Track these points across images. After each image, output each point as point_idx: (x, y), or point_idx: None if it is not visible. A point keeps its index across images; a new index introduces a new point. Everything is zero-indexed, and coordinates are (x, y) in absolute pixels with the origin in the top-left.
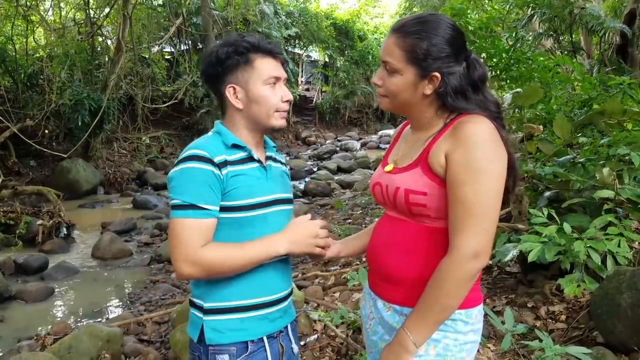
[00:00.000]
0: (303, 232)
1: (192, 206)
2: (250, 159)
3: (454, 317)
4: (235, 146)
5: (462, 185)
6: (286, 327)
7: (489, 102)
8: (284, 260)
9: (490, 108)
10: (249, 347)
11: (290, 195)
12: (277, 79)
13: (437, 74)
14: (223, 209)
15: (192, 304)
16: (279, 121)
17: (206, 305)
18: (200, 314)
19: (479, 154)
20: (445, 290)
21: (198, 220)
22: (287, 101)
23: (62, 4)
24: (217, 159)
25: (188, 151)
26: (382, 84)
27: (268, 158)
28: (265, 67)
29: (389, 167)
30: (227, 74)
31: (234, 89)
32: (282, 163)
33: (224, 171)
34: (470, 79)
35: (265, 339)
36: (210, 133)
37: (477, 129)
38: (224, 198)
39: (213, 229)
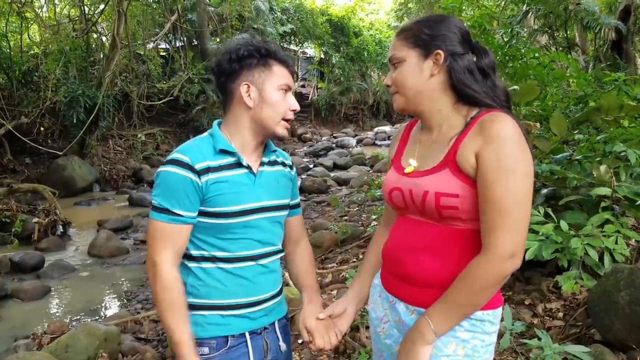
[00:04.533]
0: None
1: (166, 210)
2: (238, 164)
3: (483, 317)
4: (224, 151)
5: (496, 184)
6: (273, 324)
7: (499, 89)
8: (270, 265)
9: (500, 97)
10: (229, 341)
11: (284, 202)
12: (289, 87)
13: (439, 50)
14: (204, 214)
15: None
16: (283, 130)
17: (189, 300)
18: None
19: (510, 152)
20: (476, 288)
21: (169, 225)
22: (294, 110)
23: (56, 1)
24: (198, 166)
25: (173, 154)
26: (391, 82)
27: (263, 163)
28: (282, 73)
29: (409, 170)
30: (243, 71)
31: (249, 86)
32: (285, 165)
33: (204, 178)
34: (479, 66)
35: (247, 334)
36: (205, 134)
37: (505, 127)
38: (204, 204)
39: (185, 234)
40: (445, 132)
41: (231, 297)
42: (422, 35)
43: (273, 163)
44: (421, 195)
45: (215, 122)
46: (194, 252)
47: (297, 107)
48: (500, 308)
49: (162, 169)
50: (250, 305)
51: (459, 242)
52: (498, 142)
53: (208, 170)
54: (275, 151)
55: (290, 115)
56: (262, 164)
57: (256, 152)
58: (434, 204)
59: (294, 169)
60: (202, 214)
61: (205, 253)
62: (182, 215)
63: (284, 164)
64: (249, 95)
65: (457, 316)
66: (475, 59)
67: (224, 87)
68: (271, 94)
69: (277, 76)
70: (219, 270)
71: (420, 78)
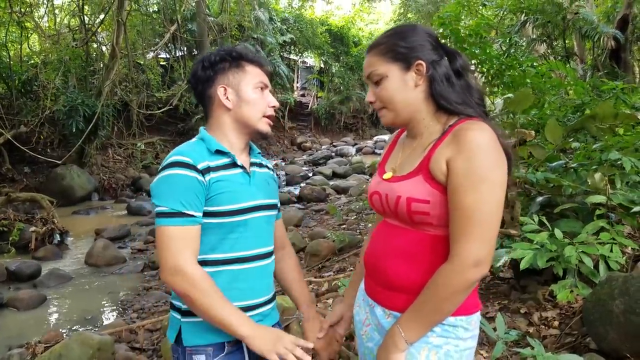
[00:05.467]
0: (275, 336)
1: (179, 213)
2: (233, 164)
3: (456, 323)
4: (219, 152)
5: (464, 193)
6: None
7: (473, 89)
8: (264, 268)
9: (474, 96)
10: (226, 347)
11: (275, 201)
12: (265, 85)
13: (421, 61)
14: (205, 214)
15: (172, 306)
16: (265, 126)
17: (185, 306)
18: (178, 316)
19: (481, 161)
20: (443, 295)
21: (184, 227)
22: (273, 107)
23: (56, 11)
24: (200, 165)
25: (171, 157)
26: (375, 98)
27: (253, 164)
28: (255, 72)
29: (387, 175)
30: (218, 75)
31: (225, 89)
32: (268, 168)
33: (207, 177)
34: (454, 68)
35: None
36: (194, 139)
37: (478, 136)
38: (206, 203)
39: (199, 235)
40: (425, 140)
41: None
42: (399, 48)
43: (260, 165)
44: (394, 200)
45: (201, 128)
46: None
47: (275, 103)
48: (477, 314)
49: (166, 172)
50: (247, 309)
51: (432, 248)
52: (469, 150)
53: (209, 169)
54: (259, 153)
55: (270, 112)
56: (252, 164)
57: (244, 154)
58: (406, 209)
59: (275, 172)
60: (204, 214)
61: (204, 257)
62: (194, 216)
63: (267, 167)
64: (227, 97)
65: (427, 324)
66: (449, 61)
67: (203, 95)
68: (248, 92)
69: (251, 75)
70: (216, 275)
71: (406, 90)
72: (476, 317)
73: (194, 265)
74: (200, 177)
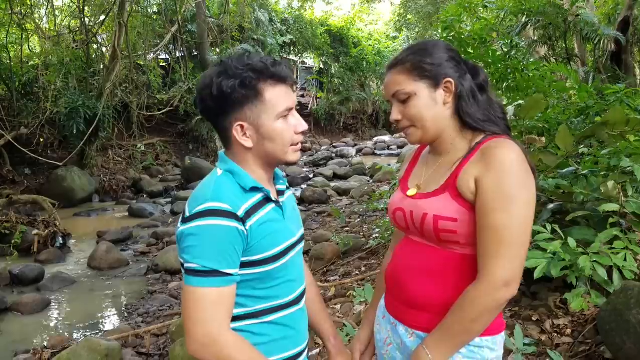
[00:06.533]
0: None
1: (213, 272)
2: (266, 199)
3: (481, 344)
4: (254, 189)
5: (494, 211)
6: None
7: (494, 103)
8: (304, 308)
9: (496, 111)
10: None
11: (303, 229)
12: (290, 109)
13: (449, 79)
14: (245, 265)
15: None
16: (294, 155)
17: None
18: None
19: (511, 180)
20: (471, 315)
21: (220, 289)
22: (301, 132)
23: (57, 12)
24: (240, 212)
25: (205, 203)
26: (401, 116)
27: (279, 192)
28: (278, 98)
29: (411, 192)
30: (232, 109)
31: (242, 126)
32: (287, 187)
33: (248, 224)
34: (477, 83)
35: None
36: (219, 172)
37: (507, 154)
38: (245, 253)
39: (234, 295)
40: (451, 157)
41: (279, 352)
42: (425, 65)
43: (283, 191)
44: (420, 217)
45: (224, 155)
46: (235, 312)
47: (303, 127)
48: (502, 334)
49: (200, 222)
50: (296, 357)
51: (458, 267)
52: (499, 169)
53: (248, 214)
54: (286, 177)
55: (298, 139)
56: (279, 193)
57: (270, 183)
58: (432, 227)
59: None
60: (242, 265)
61: (249, 310)
62: (231, 274)
63: (287, 187)
64: (245, 135)
65: (455, 345)
66: (472, 76)
67: (215, 124)
68: (271, 127)
69: (272, 104)
70: (263, 326)
71: (436, 109)
72: (501, 337)
73: (227, 332)
74: (240, 227)
